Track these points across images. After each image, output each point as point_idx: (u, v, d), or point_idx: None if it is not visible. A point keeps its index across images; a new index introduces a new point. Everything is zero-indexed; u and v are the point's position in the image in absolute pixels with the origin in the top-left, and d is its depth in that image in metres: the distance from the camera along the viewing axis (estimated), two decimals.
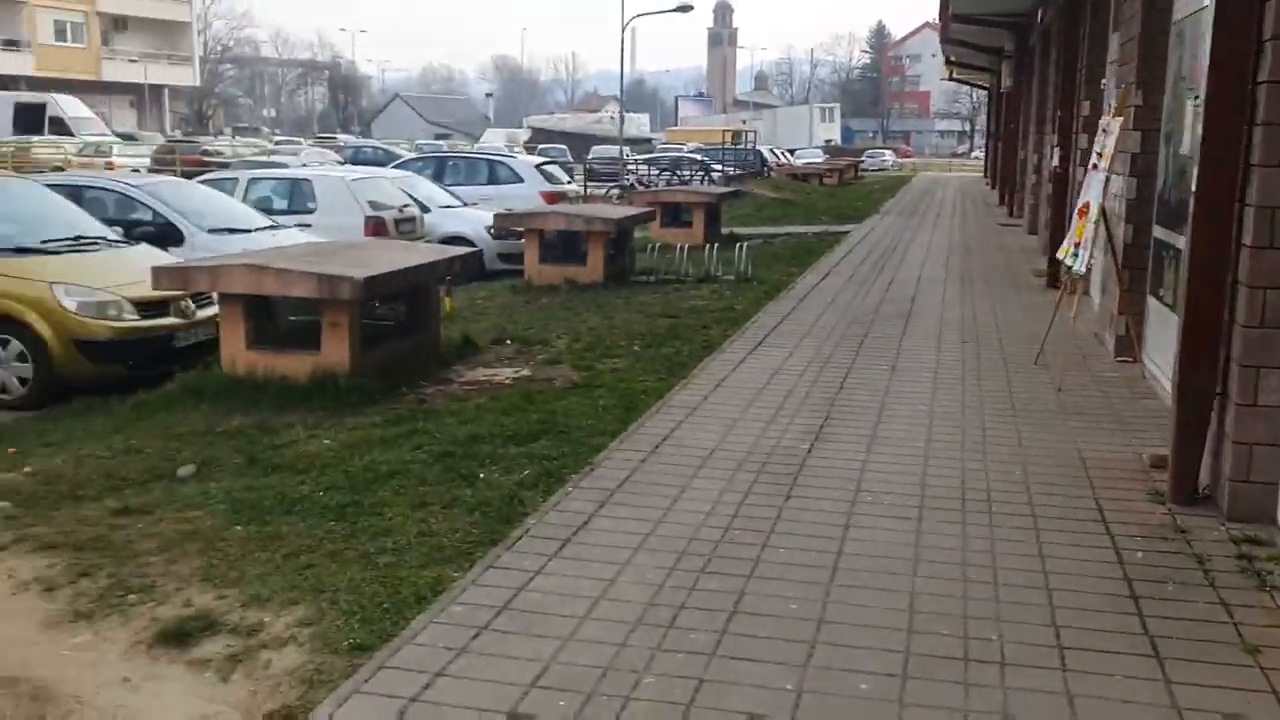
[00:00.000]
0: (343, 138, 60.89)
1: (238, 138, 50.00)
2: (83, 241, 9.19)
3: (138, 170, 28.60)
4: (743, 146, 46.68)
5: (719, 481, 5.57)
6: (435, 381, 8.13)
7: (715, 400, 7.36)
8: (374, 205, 14.59)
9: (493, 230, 15.17)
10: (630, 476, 5.62)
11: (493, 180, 20.33)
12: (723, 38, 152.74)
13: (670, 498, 5.31)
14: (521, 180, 20.18)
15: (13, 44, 50.62)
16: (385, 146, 44.49)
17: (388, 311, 9.08)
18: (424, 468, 5.76)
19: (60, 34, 53.77)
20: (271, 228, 11.98)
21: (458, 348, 9.24)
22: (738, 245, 15.09)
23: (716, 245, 15.63)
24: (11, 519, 5.04)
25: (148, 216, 11.18)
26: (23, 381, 8.17)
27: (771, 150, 53.17)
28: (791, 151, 59.77)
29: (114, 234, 9.77)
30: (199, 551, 4.59)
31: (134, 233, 10.47)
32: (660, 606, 4.07)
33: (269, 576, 4.32)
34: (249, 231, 11.48)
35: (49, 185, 10.62)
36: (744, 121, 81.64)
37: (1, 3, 49.98)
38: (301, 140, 54.28)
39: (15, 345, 8.14)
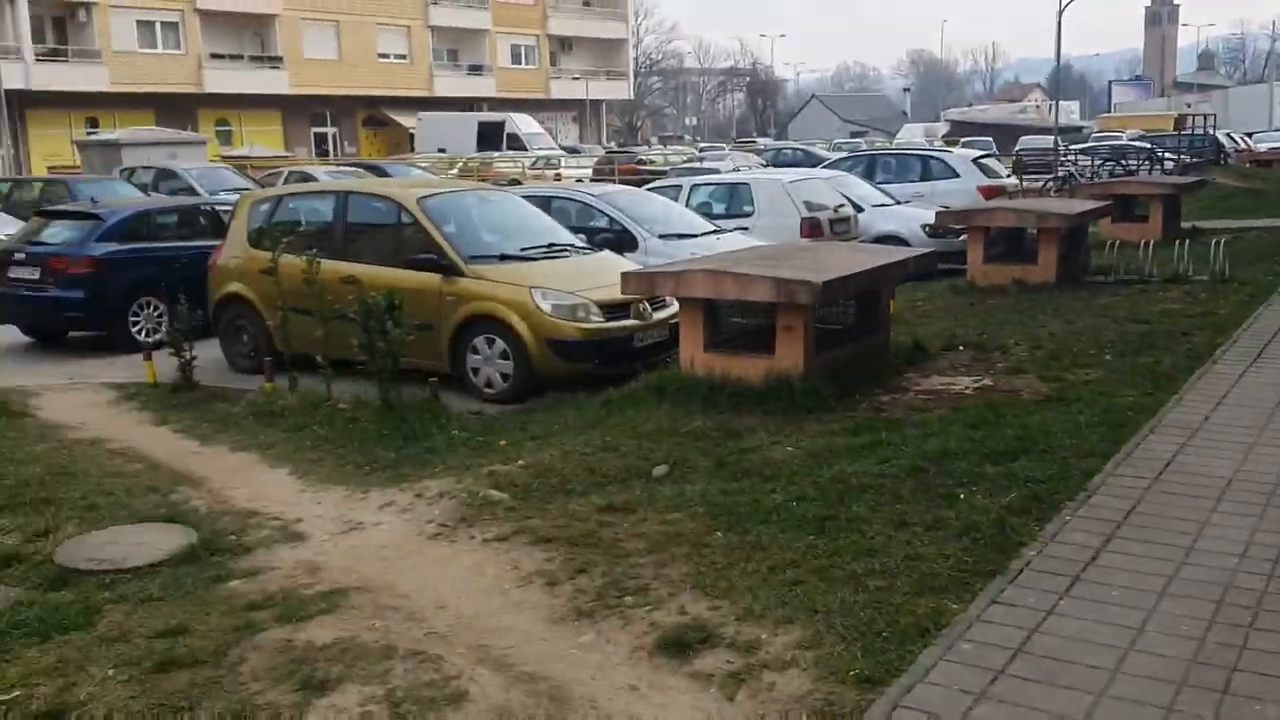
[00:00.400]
0: (762, 141, 62.21)
1: (668, 146, 52.53)
2: (555, 248, 9.84)
3: (581, 180, 30.72)
4: (1194, 132, 42.12)
5: (1247, 518, 4.81)
6: (889, 389, 7.81)
7: (1219, 420, 6.45)
8: (809, 206, 14.54)
9: (929, 229, 14.60)
10: (1135, 507, 4.99)
11: (926, 176, 19.65)
12: (1162, 16, 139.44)
13: (1189, 534, 4.64)
14: (957, 175, 19.34)
15: (476, 69, 56.59)
16: (803, 147, 44.82)
17: (836, 314, 8.89)
18: (896, 483, 5.47)
19: (516, 57, 59.41)
20: (715, 232, 12.24)
21: (908, 353, 8.86)
22: (1213, 241, 13.43)
23: (1187, 241, 14.02)
24: (511, 510, 5.36)
25: (606, 224, 11.81)
26: (504, 377, 8.85)
27: (1229, 135, 47.56)
28: (1249, 135, 53.17)
29: (580, 241, 10.38)
30: (685, 556, 4.61)
31: (594, 239, 11.08)
32: (1207, 666, 3.50)
33: (758, 590, 4.23)
34: (695, 236, 11.80)
35: (525, 197, 11.51)
36: (1188, 105, 73.80)
37: (467, 32, 56.02)
38: (724, 146, 56.07)
39: (499, 344, 8.84)
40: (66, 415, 8.39)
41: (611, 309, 8.93)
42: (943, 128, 66.64)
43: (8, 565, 4.84)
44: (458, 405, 8.24)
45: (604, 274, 9.39)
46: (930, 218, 14.21)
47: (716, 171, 22.26)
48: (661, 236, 11.54)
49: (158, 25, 43.66)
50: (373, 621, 4.14)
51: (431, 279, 9.01)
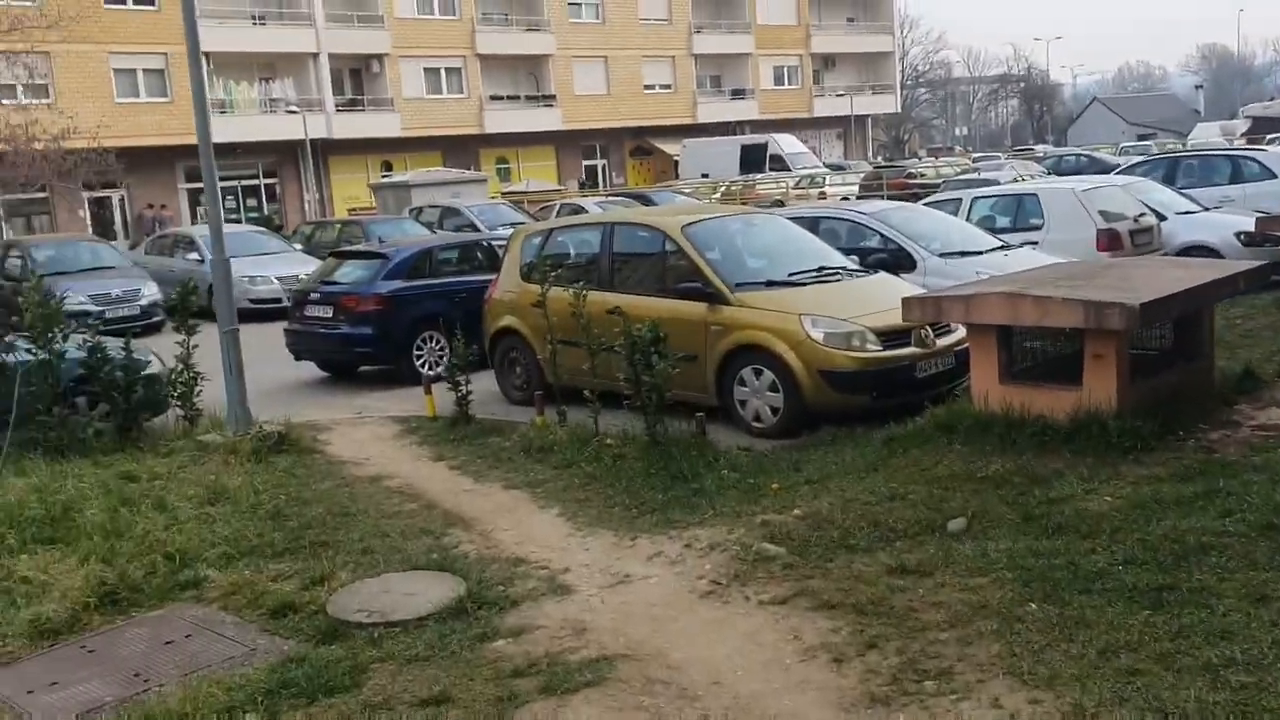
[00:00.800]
0: (1040, 148, 58.88)
1: (940, 158, 50.61)
2: (825, 272, 9.30)
3: (847, 198, 29.89)
4: None
5: None
6: (1217, 424, 6.78)
7: None
8: (1106, 216, 13.25)
9: (1245, 237, 12.98)
10: None
11: (1236, 179, 17.60)
12: None
13: None
14: (1275, 176, 17.23)
15: (739, 93, 56.64)
16: (1087, 153, 41.92)
17: (1150, 338, 7.87)
18: (1246, 543, 4.60)
19: (779, 78, 59.07)
20: (1001, 248, 11.31)
21: (1236, 381, 7.72)
22: None
23: None
24: (789, 567, 4.89)
25: (878, 243, 11.15)
26: (774, 411, 8.39)
27: None
28: None
29: (852, 263, 9.80)
30: (995, 633, 3.98)
31: (867, 260, 10.45)
32: None
33: (1088, 679, 3.56)
34: (980, 254, 10.92)
35: (791, 218, 11.04)
36: None
37: (729, 58, 56.27)
38: (999, 155, 53.47)
39: (768, 376, 8.39)
40: (352, 450, 8.64)
41: (890, 336, 8.30)
42: (1242, 124, 60.57)
43: (283, 615, 4.85)
44: (725, 440, 7.86)
45: (880, 298, 8.78)
46: (1246, 224, 12.63)
47: (995, 183, 20.95)
48: (942, 255, 10.75)
49: (442, 72, 46.31)
50: (641, 699, 3.78)
51: (696, 308, 8.70)
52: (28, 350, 8.57)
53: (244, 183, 42.19)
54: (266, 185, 42.90)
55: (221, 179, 41.09)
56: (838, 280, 9.22)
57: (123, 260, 19.57)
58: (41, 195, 31.06)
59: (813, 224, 11.25)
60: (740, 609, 4.53)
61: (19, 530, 5.89)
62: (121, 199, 37.68)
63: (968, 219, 13.36)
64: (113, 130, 28.38)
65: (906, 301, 7.29)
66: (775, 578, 4.79)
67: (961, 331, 8.47)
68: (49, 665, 4.52)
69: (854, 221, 11.65)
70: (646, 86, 52.49)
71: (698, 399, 8.58)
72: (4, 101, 23.15)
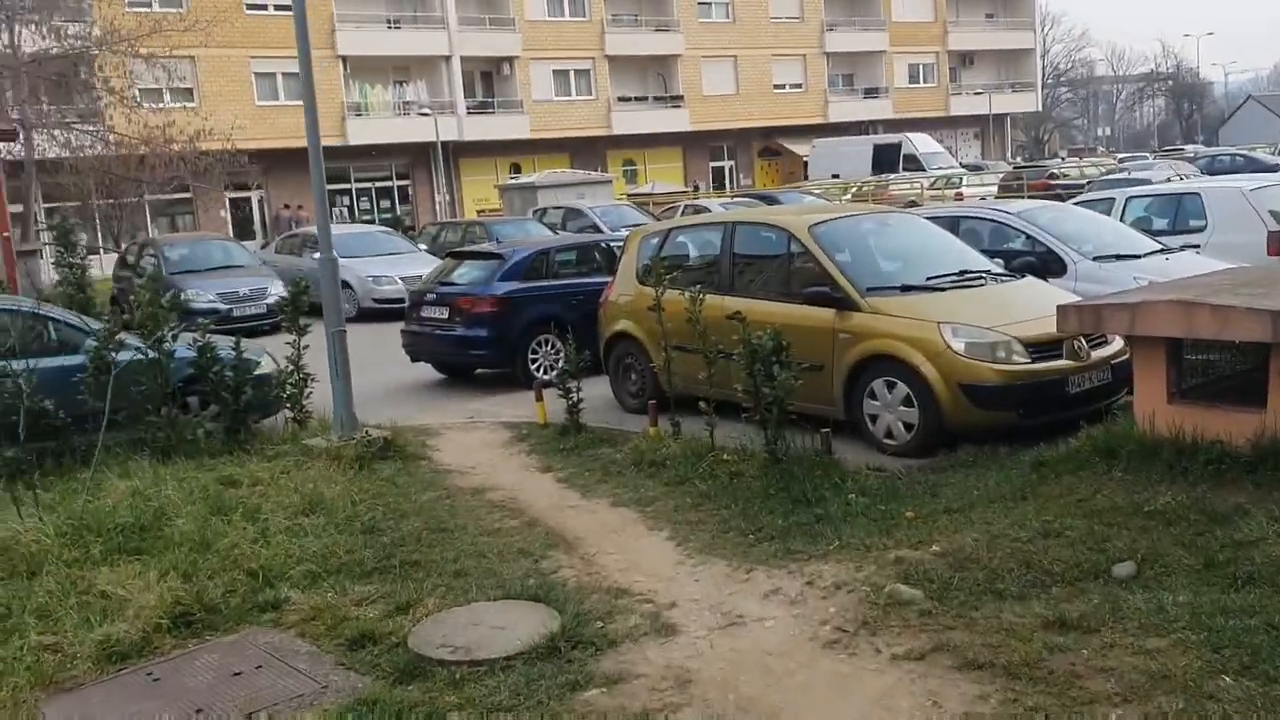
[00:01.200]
0: (1190, 148, 55.86)
1: (1083, 158, 48.39)
2: (967, 276, 8.54)
3: (984, 199, 28.63)
4: None
5: None
6: None
7: None
8: (1277, 218, 12.07)
9: None
10: None
11: None
12: None
13: None
14: None
15: (872, 91, 55.24)
16: (1243, 153, 39.42)
17: None
18: None
19: (913, 77, 57.39)
20: (1161, 251, 10.32)
21: None
22: None
23: None
24: (926, 615, 4.26)
25: (1024, 245, 10.30)
26: (908, 427, 7.70)
27: None
28: None
29: (997, 266, 9.01)
30: (1181, 714, 3.29)
31: (1012, 264, 9.63)
32: None
33: None
34: (1138, 257, 9.97)
35: (929, 218, 10.28)
36: None
37: (863, 55, 54.90)
38: (1146, 155, 50.86)
39: (901, 389, 7.71)
40: (459, 457, 8.29)
41: (1039, 347, 7.52)
42: None
43: (361, 646, 4.45)
44: (853, 458, 7.22)
45: (1028, 305, 8.02)
46: None
47: (1147, 183, 19.60)
48: (1096, 259, 9.84)
49: (571, 73, 46.38)
50: None
51: (823, 314, 8.06)
52: (137, 349, 8.47)
53: (378, 184, 43.01)
54: (400, 187, 43.64)
55: (356, 180, 42.24)
56: (981, 285, 8.45)
57: (252, 259, 19.86)
58: (185, 196, 32.07)
59: (952, 224, 10.47)
60: (870, 664, 3.93)
61: (106, 539, 5.66)
62: (260, 199, 38.76)
63: (1121, 220, 12.35)
64: (251, 133, 29.11)
65: (1062, 310, 6.53)
66: (911, 627, 4.16)
67: (1118, 342, 7.66)
68: (111, 693, 4.20)
69: (997, 221, 10.80)
70: (776, 86, 51.62)
71: (823, 412, 7.96)
72: (146, 105, 23.86)
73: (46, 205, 27.68)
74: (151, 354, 8.41)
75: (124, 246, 21.90)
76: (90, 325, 8.81)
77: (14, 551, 5.45)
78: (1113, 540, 4.83)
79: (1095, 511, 5.26)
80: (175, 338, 8.57)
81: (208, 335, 8.74)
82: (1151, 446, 6.02)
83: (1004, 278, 8.72)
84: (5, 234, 15.66)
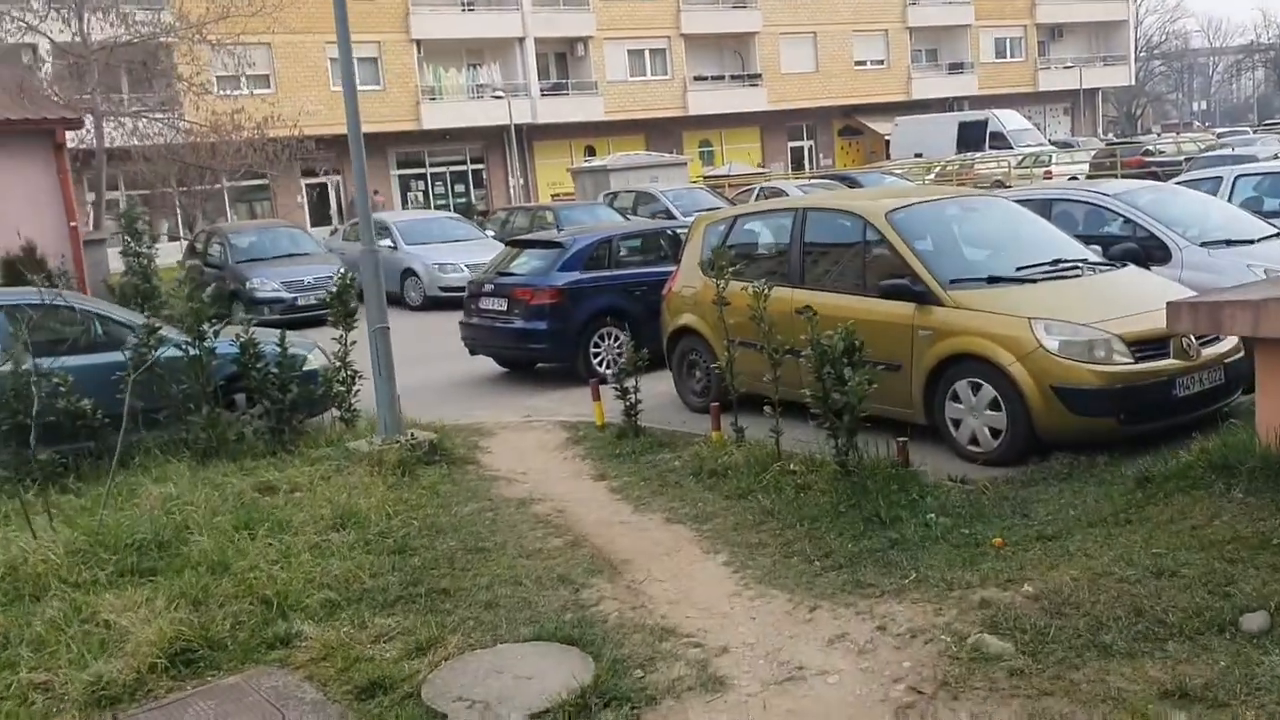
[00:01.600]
0: None
1: (1180, 134, 46.34)
2: (1061, 266, 7.79)
3: (1075, 178, 27.39)
4: None
5: None
6: None
7: None
8: None
9: None
10: None
11: None
12: None
13: None
14: None
15: (957, 67, 53.53)
16: None
17: None
18: None
19: (1000, 51, 55.47)
20: (1278, 235, 9.41)
21: None
22: None
23: None
24: (1018, 675, 3.63)
25: (1123, 230, 9.47)
26: (994, 434, 7.01)
27: None
28: None
29: (1094, 254, 8.23)
30: None
31: (1111, 251, 8.81)
32: None
33: None
34: (1250, 243, 9.08)
35: (1018, 201, 9.48)
36: None
37: (947, 30, 53.20)
38: (1246, 129, 48.51)
39: (987, 391, 7.01)
40: (509, 461, 7.82)
41: (1142, 345, 6.77)
42: None
43: (372, 694, 3.97)
44: (933, 465, 6.58)
45: (1129, 298, 7.28)
46: None
47: (1253, 159, 18.36)
48: (1204, 244, 8.98)
49: (646, 53, 45.68)
50: None
51: (902, 309, 7.39)
52: (178, 345, 8.15)
53: (453, 169, 42.88)
54: (474, 171, 43.45)
55: (431, 165, 42.11)
56: (1076, 276, 7.69)
57: (318, 247, 19.69)
58: (262, 182, 32.18)
59: (1044, 207, 9.67)
60: None
61: (121, 557, 5.28)
62: (337, 185, 38.87)
63: (1228, 200, 11.38)
64: (327, 118, 29.01)
65: (1174, 308, 5.78)
66: (999, 690, 3.55)
67: (1233, 339, 6.88)
68: None
69: (1093, 204, 9.96)
70: (857, 63, 50.31)
71: (900, 415, 7.32)
72: (222, 92, 23.86)
73: (123, 193, 27.97)
74: (193, 351, 8.10)
75: (193, 234, 21.91)
76: (134, 321, 8.50)
77: (21, 572, 5.10)
78: (1239, 582, 4.14)
79: (1214, 543, 4.56)
80: (217, 334, 8.24)
81: (251, 330, 8.40)
82: (1278, 464, 5.28)
83: (1102, 267, 7.95)
84: (73, 223, 15.58)
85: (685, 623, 4.51)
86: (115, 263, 17.78)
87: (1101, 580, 4.29)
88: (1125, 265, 8.06)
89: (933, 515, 5.52)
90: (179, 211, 28.43)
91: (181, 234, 28.18)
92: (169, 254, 19.90)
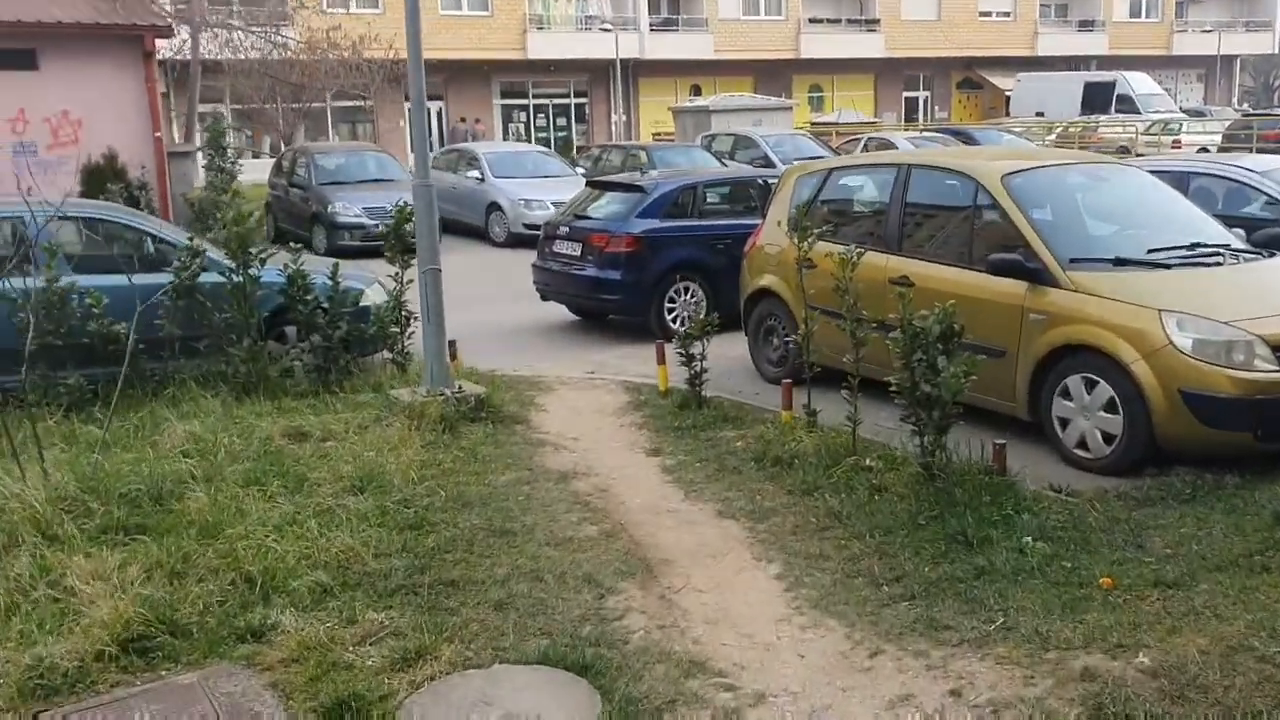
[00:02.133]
0: None
1: None
2: (1200, 251, 6.79)
3: (1206, 149, 25.53)
4: None
5: None
6: None
7: None
8: None
9: None
10: None
11: None
12: None
13: None
14: None
15: (1087, 24, 50.74)
16: None
17: None
18: None
19: (1135, 10, 52.39)
20: None
21: None
22: None
23: None
24: None
25: (1270, 213, 8.38)
26: (1108, 438, 6.13)
27: None
28: None
29: (1236, 239, 7.19)
30: None
31: (1255, 236, 7.72)
32: None
33: None
34: None
35: (1153, 173, 8.42)
36: None
37: None
38: None
39: (1103, 390, 6.12)
40: (561, 423, 7.19)
41: None
42: None
43: (338, 717, 3.36)
44: (1035, 468, 5.77)
45: (1276, 294, 6.27)
46: None
47: None
48: None
49: None
50: None
51: (1012, 288, 6.50)
52: (220, 271, 7.66)
53: (556, 102, 42.10)
54: (577, 105, 42.63)
55: (534, 97, 41.40)
56: (1217, 263, 6.69)
57: (404, 174, 19.18)
58: (366, 104, 31.87)
59: (1180, 181, 8.62)
60: None
61: (109, 510, 4.78)
62: (439, 111, 38.44)
63: None
64: (433, 43, 28.44)
65: None
66: None
67: None
68: None
69: (1238, 181, 8.87)
70: (982, 13, 47.93)
71: (1001, 408, 6.49)
72: (331, 10, 23.38)
73: (228, 106, 27.86)
74: (236, 278, 7.61)
75: (281, 151, 21.58)
76: (181, 241, 8.02)
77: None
78: None
79: None
80: (263, 263, 7.73)
81: (300, 259, 7.88)
82: None
83: (1247, 255, 6.91)
84: (157, 133, 15.30)
85: (720, 653, 3.82)
86: (202, 177, 17.64)
87: (1237, 656, 3.47)
88: (1274, 254, 7.01)
89: (1029, 539, 4.71)
90: (280, 127, 28.30)
91: (283, 150, 28.07)
92: (268, 170, 19.72)
